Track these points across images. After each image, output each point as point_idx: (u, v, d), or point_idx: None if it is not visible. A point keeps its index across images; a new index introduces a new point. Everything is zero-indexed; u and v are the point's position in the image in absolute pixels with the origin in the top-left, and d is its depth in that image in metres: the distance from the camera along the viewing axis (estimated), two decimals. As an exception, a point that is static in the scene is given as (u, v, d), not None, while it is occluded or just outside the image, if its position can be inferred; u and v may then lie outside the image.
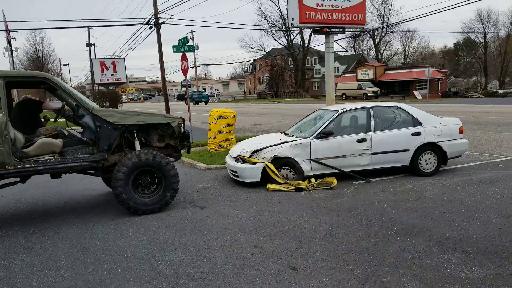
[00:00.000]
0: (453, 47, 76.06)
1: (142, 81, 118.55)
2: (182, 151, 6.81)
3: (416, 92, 46.17)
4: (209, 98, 58.65)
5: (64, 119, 6.55)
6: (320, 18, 11.38)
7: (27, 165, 5.43)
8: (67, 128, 6.96)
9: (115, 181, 5.78)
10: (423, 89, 45.87)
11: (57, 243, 5.04)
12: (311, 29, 48.97)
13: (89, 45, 38.06)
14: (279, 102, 48.84)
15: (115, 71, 20.33)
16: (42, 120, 6.90)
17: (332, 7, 11.54)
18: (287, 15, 12.10)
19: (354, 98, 46.28)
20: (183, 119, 6.55)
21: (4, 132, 5.20)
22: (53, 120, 6.82)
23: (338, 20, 11.64)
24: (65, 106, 6.61)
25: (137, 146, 6.16)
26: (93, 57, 35.23)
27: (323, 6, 11.40)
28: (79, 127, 6.51)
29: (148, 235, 5.14)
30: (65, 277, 4.07)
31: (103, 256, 4.53)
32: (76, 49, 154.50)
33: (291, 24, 11.78)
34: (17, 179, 5.80)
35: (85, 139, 6.13)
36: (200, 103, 53.90)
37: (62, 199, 7.24)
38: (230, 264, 4.15)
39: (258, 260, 4.22)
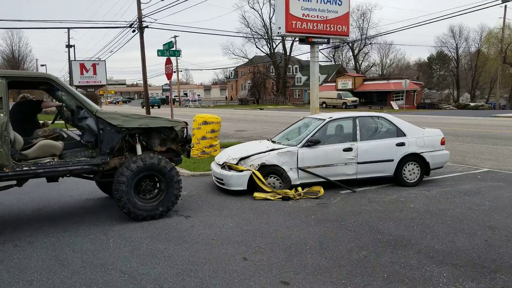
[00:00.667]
0: (427, 60, 78.18)
1: (122, 84, 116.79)
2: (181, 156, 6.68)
3: (393, 103, 47.06)
4: (160, 102, 63.88)
5: (63, 121, 6.43)
6: (306, 28, 11.40)
7: (26, 168, 5.25)
8: (65, 130, 6.82)
9: (117, 184, 5.61)
10: (400, 100, 46.79)
11: (31, 254, 4.74)
12: (294, 38, 49.18)
13: (68, 46, 37.28)
14: (261, 109, 48.91)
15: (95, 73, 19.90)
16: (42, 123, 6.70)
17: (317, 17, 11.58)
18: (275, 24, 12.13)
19: (334, 107, 46.88)
20: (187, 123, 6.43)
21: (4, 133, 5.03)
22: (50, 121, 6.63)
23: (323, 30, 11.70)
24: (64, 108, 6.53)
25: (139, 150, 6.03)
26: (72, 58, 34.50)
27: (309, 17, 11.43)
28: (76, 129, 6.36)
29: (130, 246, 4.91)
30: (41, 292, 3.82)
31: (81, 269, 4.27)
32: (55, 50, 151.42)
33: (278, 32, 11.79)
34: (14, 182, 5.57)
35: (84, 141, 6.01)
36: (154, 107, 56.95)
37: (36, 206, 6.91)
38: (219, 278, 3.99)
39: (248, 273, 4.08)
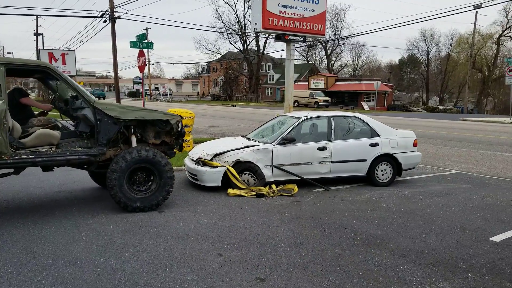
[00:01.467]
0: (398, 63, 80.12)
1: (91, 75, 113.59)
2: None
3: (364, 104, 48.03)
4: (105, 95, 64.05)
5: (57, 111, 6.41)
6: (282, 25, 11.44)
7: (24, 156, 5.24)
8: (60, 120, 6.76)
9: (111, 173, 5.64)
10: (371, 101, 47.81)
11: (0, 246, 4.57)
12: (268, 35, 48.93)
13: (36, 34, 35.94)
14: (233, 106, 48.77)
15: (64, 63, 19.21)
16: (37, 113, 6.57)
17: (294, 15, 11.64)
18: (251, 20, 12.06)
19: (306, 106, 47.33)
20: (181, 117, 6.45)
21: (3, 120, 5.01)
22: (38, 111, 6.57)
23: (300, 28, 11.77)
24: (57, 98, 6.53)
25: (134, 142, 6.06)
26: (41, 47, 33.26)
27: (285, 14, 11.47)
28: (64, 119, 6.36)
29: (103, 240, 4.81)
30: (11, 285, 3.68)
31: (53, 262, 4.16)
32: (22, 38, 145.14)
33: (254, 29, 11.77)
34: (11, 170, 5.55)
35: (79, 132, 6.07)
36: (100, 98, 56.41)
37: (5, 197, 6.66)
38: (194, 274, 3.96)
39: (224, 270, 4.07)
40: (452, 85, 66.45)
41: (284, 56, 13.19)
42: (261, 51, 65.07)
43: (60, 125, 6.42)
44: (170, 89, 73.96)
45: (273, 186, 7.18)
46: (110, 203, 6.37)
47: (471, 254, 4.55)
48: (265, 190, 6.96)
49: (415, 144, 8.22)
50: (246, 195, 6.84)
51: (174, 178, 6.15)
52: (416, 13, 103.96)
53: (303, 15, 11.77)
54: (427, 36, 67.36)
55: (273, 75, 68.45)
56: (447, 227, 5.46)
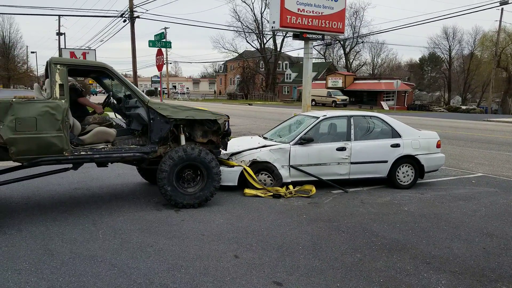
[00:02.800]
0: (418, 62, 78.70)
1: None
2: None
3: (383, 103, 47.32)
4: (96, 91, 65.94)
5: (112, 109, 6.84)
6: (300, 23, 11.29)
7: (83, 153, 5.50)
8: (112, 118, 7.15)
9: (161, 173, 5.84)
10: (391, 100, 47.07)
11: (20, 242, 4.60)
12: (285, 34, 48.88)
13: (59, 34, 36.61)
14: (249, 104, 48.74)
15: (85, 61, 19.57)
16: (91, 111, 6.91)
17: (313, 13, 11.47)
18: (269, 18, 11.96)
19: (324, 105, 46.88)
20: (228, 117, 6.58)
21: (65, 118, 5.27)
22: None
23: (318, 26, 11.60)
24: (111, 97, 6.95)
25: (183, 141, 6.27)
26: (62, 46, 33.84)
27: (304, 12, 11.32)
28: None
29: (119, 238, 4.79)
30: (29, 282, 3.69)
31: (70, 260, 4.16)
32: (45, 37, 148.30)
33: (272, 27, 11.66)
34: (70, 165, 5.76)
35: (131, 129, 6.47)
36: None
37: (26, 194, 6.72)
38: (210, 276, 3.89)
39: (240, 272, 3.98)
40: (475, 84, 64.83)
41: (301, 55, 13.11)
42: (278, 49, 64.89)
43: (114, 123, 6.70)
44: (187, 88, 74.50)
45: (290, 186, 7.07)
46: (127, 201, 6.38)
47: (500, 263, 4.33)
48: (282, 190, 6.85)
49: (438, 146, 7.98)
50: (262, 195, 6.75)
51: (221, 174, 6.31)
52: (437, 10, 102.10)
53: (321, 12, 11.60)
54: (449, 34, 65.88)
55: (290, 74, 68.14)
56: (473, 233, 5.24)
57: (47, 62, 5.62)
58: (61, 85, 5.31)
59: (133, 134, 6.49)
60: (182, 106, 6.23)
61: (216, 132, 6.53)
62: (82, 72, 6.69)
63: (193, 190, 6.13)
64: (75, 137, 5.68)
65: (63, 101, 5.28)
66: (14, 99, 5.14)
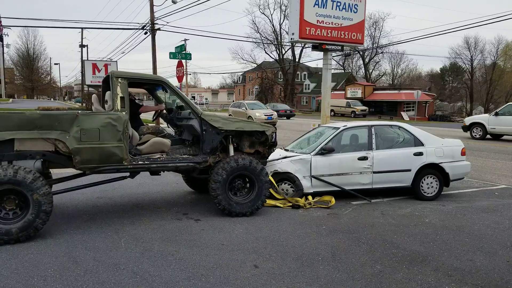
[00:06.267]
0: (439, 72, 77.62)
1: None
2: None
3: (403, 114, 46.77)
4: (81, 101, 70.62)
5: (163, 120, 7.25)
6: (319, 34, 11.31)
7: (141, 162, 5.73)
8: (164, 128, 7.49)
9: (213, 183, 6.00)
10: (411, 111, 46.47)
11: (45, 250, 4.74)
12: (304, 45, 48.72)
13: (82, 46, 37.68)
14: (268, 115, 48.79)
15: (106, 73, 20.08)
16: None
17: (332, 24, 11.49)
18: (288, 30, 12.04)
19: (342, 116, 46.64)
20: (276, 128, 6.81)
21: (126, 129, 5.52)
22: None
23: (337, 37, 11.60)
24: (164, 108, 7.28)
25: (231, 151, 6.44)
26: (85, 58, 34.80)
27: (323, 23, 11.34)
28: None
29: (141, 247, 4.88)
30: (54, 289, 3.79)
31: (94, 267, 4.26)
32: (68, 49, 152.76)
33: (291, 38, 11.72)
34: (127, 174, 6.00)
35: (183, 140, 6.80)
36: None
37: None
38: (230, 285, 3.93)
39: (260, 282, 4.01)
40: (498, 94, 63.38)
41: (320, 65, 13.15)
42: (297, 60, 64.98)
43: (166, 133, 6.96)
44: (206, 98, 75.15)
45: (309, 197, 7.06)
46: (148, 211, 6.49)
47: (524, 277, 4.24)
48: (301, 201, 6.86)
49: (463, 153, 7.83)
50: (282, 206, 6.77)
51: (269, 183, 6.44)
52: (458, 20, 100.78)
53: (341, 24, 11.61)
54: (470, 44, 64.72)
55: (308, 84, 68.12)
56: (496, 245, 5.13)
57: (107, 75, 6.00)
58: (122, 98, 5.58)
59: (183, 144, 6.77)
60: (232, 117, 6.51)
61: (263, 143, 6.73)
62: (137, 84, 6.96)
63: (242, 199, 6.26)
64: (134, 147, 5.93)
65: (124, 113, 5.54)
66: (79, 111, 5.46)
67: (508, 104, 19.68)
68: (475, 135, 19.40)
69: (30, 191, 4.90)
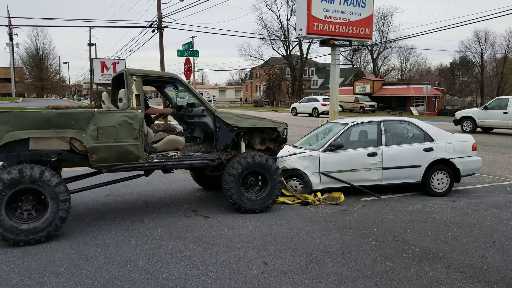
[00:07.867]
0: (449, 66, 76.69)
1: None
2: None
3: (413, 109, 46.34)
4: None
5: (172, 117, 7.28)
6: (327, 30, 11.23)
7: (156, 160, 5.74)
8: (176, 125, 7.53)
9: (228, 176, 6.00)
10: (420, 105, 46.06)
11: (56, 247, 4.79)
12: (311, 40, 48.47)
13: (90, 45, 37.91)
14: (275, 111, 48.77)
15: (115, 71, 20.15)
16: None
17: (340, 19, 11.41)
18: (295, 26, 11.98)
19: (351, 111, 46.35)
20: (287, 125, 6.81)
21: (141, 128, 5.52)
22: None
23: (345, 33, 11.52)
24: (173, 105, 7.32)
25: (243, 148, 6.48)
26: (93, 56, 35.02)
27: (331, 18, 11.27)
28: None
29: (151, 244, 4.91)
30: (66, 286, 3.84)
31: (105, 264, 4.30)
32: (76, 48, 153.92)
33: (299, 34, 11.66)
34: (142, 172, 6.02)
35: (195, 137, 6.82)
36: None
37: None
38: (239, 282, 3.93)
39: (269, 279, 4.01)
40: (509, 88, 62.46)
41: (328, 61, 13.05)
42: (305, 56, 64.74)
43: (178, 130, 6.98)
44: (214, 95, 75.17)
45: (318, 194, 7.04)
46: (157, 208, 6.52)
47: (538, 273, 4.18)
48: (310, 198, 6.84)
49: (473, 149, 7.74)
50: (290, 202, 6.75)
51: (282, 182, 6.44)
52: (468, 13, 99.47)
53: (349, 19, 11.52)
54: (481, 37, 63.76)
55: (316, 80, 67.84)
56: (509, 241, 5.07)
57: (120, 72, 5.94)
58: (137, 96, 5.57)
59: (195, 141, 6.78)
60: (244, 114, 6.46)
61: (275, 139, 6.73)
62: (155, 82, 6.95)
63: (254, 196, 6.26)
64: (149, 145, 5.92)
65: (139, 111, 5.53)
66: (96, 110, 5.43)
67: (496, 98, 19.84)
68: (466, 129, 19.47)
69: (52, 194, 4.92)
